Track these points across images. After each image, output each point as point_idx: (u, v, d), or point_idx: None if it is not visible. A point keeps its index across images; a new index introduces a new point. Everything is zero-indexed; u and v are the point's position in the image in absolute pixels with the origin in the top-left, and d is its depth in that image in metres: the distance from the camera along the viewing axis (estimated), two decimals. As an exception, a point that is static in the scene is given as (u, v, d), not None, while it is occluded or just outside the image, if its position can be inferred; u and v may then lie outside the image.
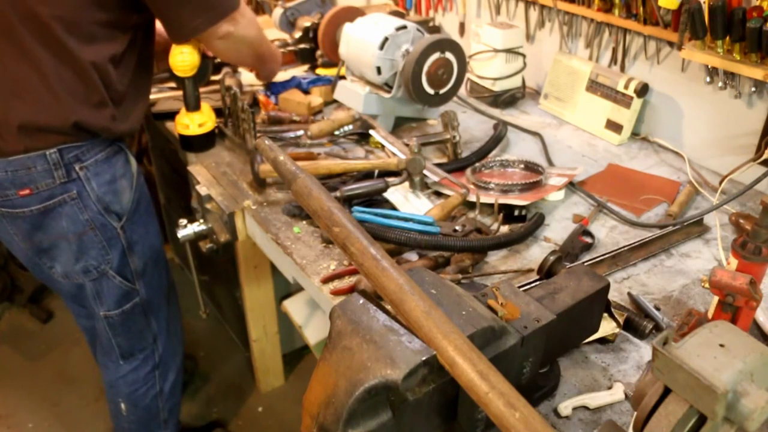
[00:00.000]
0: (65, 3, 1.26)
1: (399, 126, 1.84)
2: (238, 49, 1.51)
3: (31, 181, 1.37)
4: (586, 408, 0.96)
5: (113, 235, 1.52)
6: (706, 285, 0.94)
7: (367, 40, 1.70)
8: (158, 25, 1.53)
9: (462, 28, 2.27)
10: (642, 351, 1.06)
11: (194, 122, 1.60)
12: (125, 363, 1.74)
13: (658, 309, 1.14)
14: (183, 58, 1.50)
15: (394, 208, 1.40)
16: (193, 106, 1.59)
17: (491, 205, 1.38)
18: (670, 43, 1.63)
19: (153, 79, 1.60)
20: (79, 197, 1.43)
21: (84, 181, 1.43)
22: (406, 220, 1.26)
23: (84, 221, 1.46)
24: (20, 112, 1.31)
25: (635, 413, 0.72)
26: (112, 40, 1.36)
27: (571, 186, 1.53)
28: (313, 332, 2.12)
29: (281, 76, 2.03)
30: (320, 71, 2.06)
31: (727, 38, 1.40)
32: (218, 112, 1.74)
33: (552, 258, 1.08)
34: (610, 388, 0.99)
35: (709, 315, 1.01)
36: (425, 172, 1.47)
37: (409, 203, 1.42)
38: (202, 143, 1.65)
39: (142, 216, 1.60)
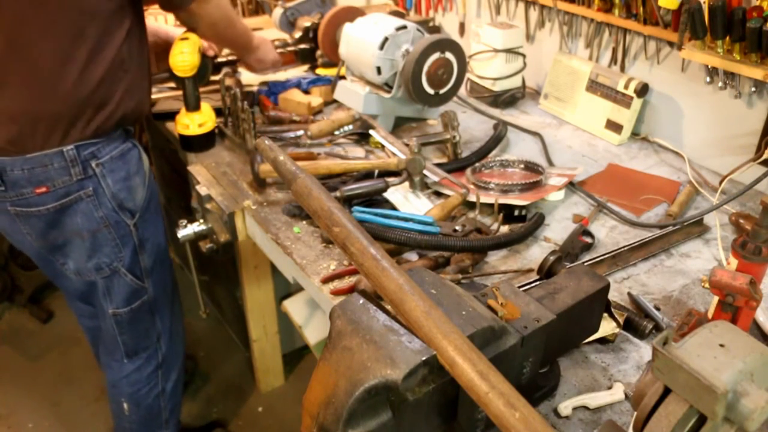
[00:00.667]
0: None
1: (399, 126, 1.84)
2: (207, 28, 1.54)
3: (47, 179, 1.37)
4: (586, 408, 0.96)
5: (126, 232, 1.53)
6: (706, 285, 0.94)
7: (367, 40, 1.70)
8: (156, 25, 1.53)
9: (462, 28, 2.27)
10: (642, 351, 1.06)
11: (194, 122, 1.60)
12: (129, 362, 1.74)
13: (658, 309, 1.14)
14: (183, 58, 1.50)
15: (394, 208, 1.40)
16: (193, 106, 1.59)
17: (491, 205, 1.38)
18: (670, 43, 1.63)
19: (153, 79, 1.61)
20: (95, 194, 1.44)
21: (100, 178, 1.43)
22: (406, 220, 1.26)
23: (99, 218, 1.47)
24: (35, 103, 1.31)
25: (635, 413, 0.72)
26: (125, 16, 1.37)
27: (571, 186, 1.53)
28: (313, 332, 2.13)
29: (281, 75, 2.03)
30: (320, 71, 2.06)
31: (727, 38, 1.40)
32: (218, 112, 1.74)
33: (552, 258, 1.08)
34: (610, 388, 0.99)
35: (709, 315, 1.01)
36: (425, 172, 1.47)
37: (409, 203, 1.42)
38: (202, 143, 1.65)
39: (152, 214, 1.61)
